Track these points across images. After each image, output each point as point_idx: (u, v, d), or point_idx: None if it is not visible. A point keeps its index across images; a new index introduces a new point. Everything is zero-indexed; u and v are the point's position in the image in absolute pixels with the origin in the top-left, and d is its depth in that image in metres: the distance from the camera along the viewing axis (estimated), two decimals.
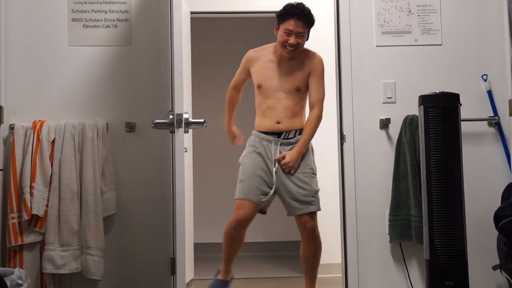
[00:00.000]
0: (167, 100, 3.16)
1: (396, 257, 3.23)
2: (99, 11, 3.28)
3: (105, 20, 3.28)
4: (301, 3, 3.10)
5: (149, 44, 3.28)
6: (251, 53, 3.25)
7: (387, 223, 3.22)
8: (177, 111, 3.02)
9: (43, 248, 3.04)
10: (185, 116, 3.03)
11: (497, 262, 2.97)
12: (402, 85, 3.28)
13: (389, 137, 3.27)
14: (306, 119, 3.16)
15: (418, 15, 3.31)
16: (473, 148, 3.22)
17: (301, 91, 3.13)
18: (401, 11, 3.31)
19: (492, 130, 3.26)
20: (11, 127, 3.12)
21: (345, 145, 3.27)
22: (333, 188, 3.49)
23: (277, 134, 3.10)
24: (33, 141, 3.08)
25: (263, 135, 3.12)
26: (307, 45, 3.18)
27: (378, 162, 3.25)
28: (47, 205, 3.05)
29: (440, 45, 3.30)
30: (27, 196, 3.01)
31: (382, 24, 3.30)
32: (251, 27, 5.50)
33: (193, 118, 3.12)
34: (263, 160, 3.08)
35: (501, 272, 2.95)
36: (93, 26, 3.27)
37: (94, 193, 3.07)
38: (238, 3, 4.59)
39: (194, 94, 4.51)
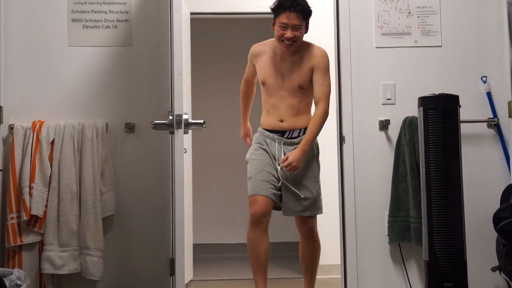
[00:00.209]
0: (167, 101, 3.16)
1: (395, 259, 3.23)
2: (99, 12, 3.28)
3: (105, 20, 3.28)
4: None
5: (149, 45, 3.28)
6: (255, 47, 3.19)
7: (386, 224, 3.22)
8: (176, 112, 3.02)
9: (42, 248, 3.04)
10: (184, 117, 3.03)
11: (496, 263, 2.97)
12: (402, 86, 3.28)
13: (388, 139, 3.27)
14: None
15: (418, 17, 3.31)
16: (472, 149, 3.22)
17: (304, 89, 3.05)
18: (401, 12, 3.31)
19: (492, 131, 3.27)
20: (11, 127, 3.12)
21: (344, 146, 3.27)
22: (332, 189, 3.49)
23: (281, 132, 3.07)
24: (32, 141, 3.08)
25: (267, 132, 3.10)
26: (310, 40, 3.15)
27: (377, 163, 3.25)
28: (46, 206, 3.05)
29: (440, 46, 3.31)
30: (26, 196, 3.01)
31: (382, 25, 3.31)
32: (251, 28, 5.50)
33: (192, 119, 3.13)
34: (268, 155, 3.06)
35: (500, 273, 2.95)
36: (93, 27, 3.27)
37: (93, 194, 3.07)
38: (238, 4, 4.59)
39: (194, 95, 4.52)
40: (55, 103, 3.23)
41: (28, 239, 3.03)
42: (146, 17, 3.29)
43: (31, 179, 3.03)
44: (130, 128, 3.23)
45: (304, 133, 3.05)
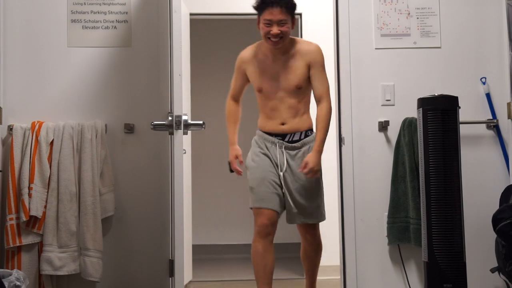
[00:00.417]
0: (166, 101, 3.16)
1: (394, 260, 3.23)
2: (98, 12, 3.28)
3: (104, 21, 3.28)
4: None
5: (148, 46, 3.28)
6: (244, 54, 3.07)
7: (385, 225, 3.22)
8: (176, 112, 3.02)
9: (41, 249, 3.04)
10: (184, 117, 3.02)
11: (495, 264, 2.97)
12: (401, 87, 3.28)
13: (387, 140, 3.27)
14: (312, 116, 3.03)
15: (417, 18, 3.31)
16: (471, 150, 3.22)
17: (302, 89, 2.96)
18: (400, 13, 3.31)
19: (491, 132, 3.27)
20: (10, 128, 3.12)
21: (343, 147, 3.27)
22: (332, 190, 3.49)
23: (281, 136, 2.97)
24: (31, 142, 3.08)
25: (267, 136, 3.00)
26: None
27: (376, 164, 3.25)
28: (45, 206, 3.05)
29: (439, 47, 3.31)
30: (25, 197, 3.01)
31: (381, 26, 3.31)
32: (250, 29, 5.49)
33: (192, 120, 3.12)
34: (270, 161, 2.95)
35: (499, 274, 2.95)
36: (92, 27, 3.27)
37: (92, 195, 3.06)
38: (237, 5, 4.59)
39: (193, 95, 4.51)
40: (55, 103, 3.23)
41: (27, 240, 3.03)
42: (145, 18, 3.29)
43: (30, 180, 3.03)
44: (129, 129, 3.23)
45: (305, 136, 2.99)
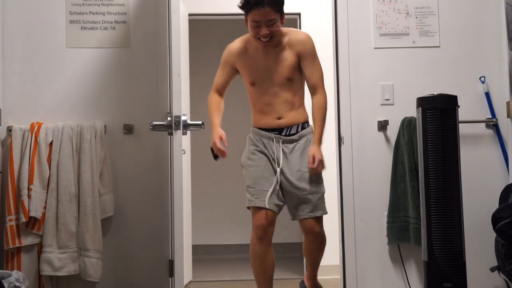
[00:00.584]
0: (165, 102, 3.16)
1: (394, 259, 3.23)
2: (97, 13, 3.28)
3: (103, 22, 3.28)
4: None
5: (147, 46, 3.28)
6: (233, 47, 2.94)
7: (385, 225, 3.22)
8: (175, 113, 3.02)
9: (41, 250, 3.04)
10: (183, 118, 3.02)
11: (495, 263, 2.97)
12: (400, 87, 3.28)
13: (387, 139, 3.27)
14: (306, 108, 2.96)
15: (416, 17, 3.31)
16: (471, 150, 3.22)
17: (293, 80, 2.86)
18: (399, 13, 3.31)
19: (490, 132, 3.27)
20: (9, 129, 3.12)
21: (343, 147, 3.27)
22: (331, 190, 3.48)
23: (278, 130, 2.87)
24: (31, 143, 3.07)
25: (262, 132, 2.90)
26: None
27: (376, 164, 3.25)
28: (45, 207, 3.05)
29: (438, 47, 3.31)
30: (25, 198, 3.01)
31: (380, 26, 3.31)
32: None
33: (191, 120, 3.12)
34: (267, 159, 2.86)
35: (499, 273, 2.95)
36: (91, 28, 3.27)
37: (92, 195, 3.06)
38: (236, 6, 4.59)
39: (192, 96, 4.51)
40: (54, 104, 3.22)
41: (27, 241, 3.03)
42: (144, 19, 3.28)
43: (30, 181, 3.03)
44: (128, 129, 3.23)
45: (302, 129, 2.90)
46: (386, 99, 3.28)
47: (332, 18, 3.40)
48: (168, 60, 3.09)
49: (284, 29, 2.88)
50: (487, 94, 3.27)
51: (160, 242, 3.18)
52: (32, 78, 3.23)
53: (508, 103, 3.20)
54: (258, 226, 2.80)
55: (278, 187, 2.82)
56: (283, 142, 2.87)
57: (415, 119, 3.06)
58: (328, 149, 3.56)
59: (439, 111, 2.83)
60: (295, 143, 2.88)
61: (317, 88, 2.88)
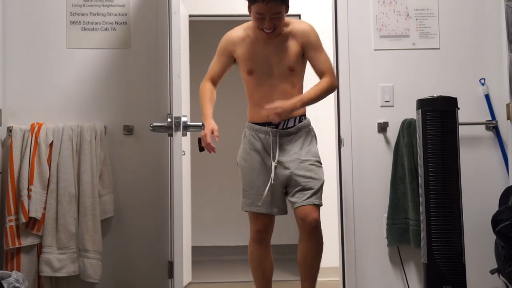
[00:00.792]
0: (165, 103, 3.16)
1: (394, 261, 3.23)
2: (97, 14, 3.28)
3: (104, 23, 3.28)
4: None
5: (147, 47, 3.28)
6: (232, 35, 2.82)
7: (385, 226, 3.22)
8: (175, 114, 3.02)
9: (41, 251, 3.04)
10: (183, 119, 3.02)
11: (495, 266, 2.97)
12: (400, 88, 3.28)
13: (387, 141, 3.27)
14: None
15: (416, 19, 3.31)
16: (470, 152, 3.22)
17: (295, 71, 2.75)
18: (399, 15, 3.32)
19: (490, 134, 3.27)
20: (9, 130, 3.12)
21: (343, 148, 3.27)
22: (331, 191, 3.49)
23: (275, 124, 2.74)
24: (31, 143, 3.08)
25: (258, 126, 2.76)
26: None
27: (376, 165, 3.25)
28: (44, 208, 3.05)
29: (438, 49, 3.31)
30: (24, 198, 3.01)
31: (380, 27, 3.31)
32: None
33: (191, 121, 3.12)
34: (261, 159, 2.74)
35: (498, 276, 2.95)
36: (92, 29, 3.27)
37: (92, 196, 3.06)
38: (236, 7, 4.58)
39: (192, 97, 4.51)
40: (54, 105, 3.23)
41: (27, 241, 3.03)
42: (144, 20, 3.29)
43: (30, 182, 3.03)
44: (128, 130, 3.23)
45: (299, 122, 2.77)
46: (386, 101, 3.28)
47: (332, 20, 3.41)
48: (168, 61, 3.10)
49: (287, 20, 2.77)
50: (487, 96, 3.27)
51: (159, 243, 3.18)
52: (32, 79, 3.23)
53: (508, 105, 3.20)
54: (255, 231, 2.77)
55: (275, 186, 2.70)
56: (280, 136, 2.75)
57: (415, 121, 3.06)
58: (328, 151, 3.57)
59: (439, 113, 2.83)
60: (292, 136, 2.76)
61: (325, 74, 2.74)
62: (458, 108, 2.88)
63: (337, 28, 3.32)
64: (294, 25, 2.78)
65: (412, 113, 3.08)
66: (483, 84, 3.28)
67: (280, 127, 2.75)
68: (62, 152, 3.09)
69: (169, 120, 3.02)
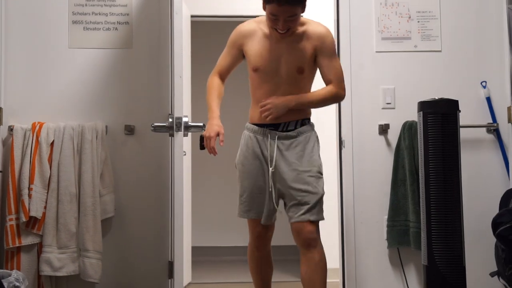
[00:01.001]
0: (167, 103, 3.16)
1: (394, 263, 3.23)
2: (99, 14, 3.28)
3: (106, 23, 3.28)
4: None
5: (149, 47, 3.28)
6: (244, 27, 2.69)
7: (385, 228, 3.22)
8: (176, 114, 3.02)
9: (41, 250, 3.04)
10: (184, 119, 3.02)
11: (495, 268, 2.97)
12: (402, 91, 3.28)
13: (388, 143, 3.27)
14: (311, 110, 2.74)
15: (418, 21, 3.32)
16: (471, 154, 3.22)
17: (304, 73, 2.61)
18: (401, 17, 3.32)
19: (491, 136, 3.27)
20: (10, 129, 3.12)
21: (344, 150, 3.27)
22: (331, 193, 3.49)
23: (274, 125, 2.61)
24: (32, 143, 3.08)
25: (257, 128, 2.64)
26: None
27: (376, 167, 3.26)
28: (45, 207, 3.05)
29: (440, 51, 3.31)
30: (25, 198, 3.01)
31: (382, 29, 3.31)
32: None
33: (192, 122, 3.12)
34: (259, 163, 2.63)
35: (498, 278, 2.95)
36: (94, 29, 3.27)
37: (92, 196, 3.06)
38: (238, 7, 4.60)
39: (194, 97, 4.52)
40: (55, 104, 3.23)
41: (27, 240, 3.03)
42: (146, 20, 3.29)
43: (30, 181, 3.03)
44: (130, 130, 3.23)
45: (301, 125, 2.63)
46: (388, 103, 3.28)
47: (334, 21, 3.41)
48: (170, 62, 3.10)
49: (303, 19, 2.65)
50: (488, 99, 3.27)
51: (160, 243, 3.18)
52: (34, 78, 3.23)
53: (509, 108, 3.20)
54: (254, 238, 2.71)
55: (269, 194, 2.62)
56: (279, 139, 2.60)
57: (416, 123, 3.06)
58: (329, 152, 3.57)
59: (440, 116, 2.83)
60: (292, 140, 2.61)
61: (332, 82, 2.62)
62: (459, 111, 2.88)
63: (339, 30, 3.32)
64: (310, 25, 2.64)
65: (413, 115, 3.08)
66: (484, 87, 3.28)
67: (280, 129, 2.62)
68: (63, 152, 3.09)
69: (170, 120, 3.02)
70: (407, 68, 3.30)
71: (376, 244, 3.23)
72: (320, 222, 2.64)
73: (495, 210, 2.97)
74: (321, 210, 2.60)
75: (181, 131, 3.01)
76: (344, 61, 3.28)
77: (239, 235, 5.52)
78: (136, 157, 3.23)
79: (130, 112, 3.25)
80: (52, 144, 3.10)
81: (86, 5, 3.28)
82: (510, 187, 3.12)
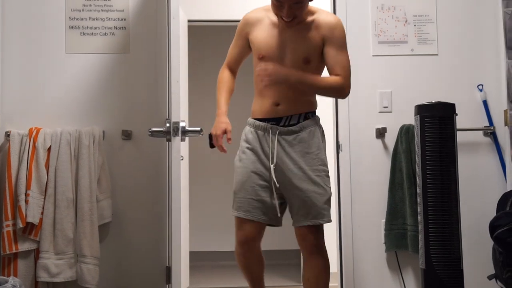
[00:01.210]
0: (164, 108, 3.16)
1: (391, 266, 3.23)
2: (96, 19, 3.28)
3: (103, 28, 3.28)
4: None
5: (146, 52, 3.28)
6: (251, 15, 2.55)
7: (383, 232, 3.22)
8: (173, 119, 3.02)
9: (38, 256, 3.03)
10: (181, 124, 3.02)
11: (493, 271, 2.97)
12: (398, 94, 3.29)
13: (385, 146, 3.28)
14: (316, 101, 2.56)
15: (415, 25, 3.33)
16: (468, 157, 3.23)
17: (310, 64, 2.44)
18: (398, 21, 3.33)
19: (488, 139, 3.28)
20: (7, 134, 3.12)
21: (341, 154, 3.28)
22: None
23: (275, 120, 2.45)
24: (29, 148, 3.07)
25: (258, 122, 2.48)
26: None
27: (374, 171, 3.26)
28: (42, 213, 3.04)
29: (436, 55, 3.32)
30: (22, 203, 3.00)
31: (379, 33, 3.32)
32: None
33: (189, 126, 3.12)
34: (258, 158, 2.45)
35: (496, 281, 2.95)
36: (91, 34, 3.27)
37: (89, 201, 3.06)
38: (235, 12, 4.59)
39: (191, 102, 4.52)
40: (52, 110, 3.22)
41: (24, 246, 3.02)
42: (143, 24, 3.29)
43: (27, 186, 3.02)
44: (127, 135, 3.23)
45: (304, 119, 2.45)
46: (385, 107, 3.29)
47: None
48: (167, 66, 3.10)
49: (313, 8, 2.48)
50: (485, 102, 3.28)
51: (157, 248, 3.17)
52: (31, 83, 3.23)
53: (505, 111, 3.21)
54: (240, 242, 2.47)
55: (268, 193, 2.45)
56: (280, 134, 2.43)
57: (413, 126, 3.07)
58: (327, 156, 3.56)
59: (437, 119, 2.83)
60: (295, 135, 2.44)
61: (339, 75, 2.45)
62: (456, 114, 2.89)
63: None
64: (320, 14, 2.47)
65: (410, 118, 3.09)
66: (481, 90, 3.29)
67: (281, 123, 2.45)
68: (60, 157, 3.08)
69: (167, 125, 3.02)
70: (404, 72, 3.31)
71: (374, 248, 3.23)
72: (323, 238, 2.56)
73: (492, 213, 2.98)
74: (328, 212, 2.45)
75: (178, 136, 3.01)
76: None
77: None
78: (134, 162, 3.23)
79: (127, 117, 3.25)
80: (49, 149, 3.09)
81: (83, 10, 3.28)
82: (507, 190, 3.12)
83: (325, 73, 2.59)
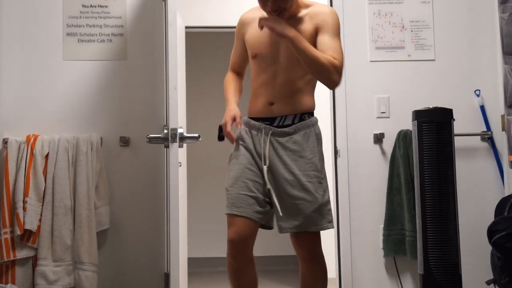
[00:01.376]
0: (162, 114, 3.16)
1: (390, 272, 3.23)
2: (94, 26, 3.28)
3: (100, 34, 3.29)
4: None
5: (144, 59, 3.28)
6: (244, 16, 2.50)
7: (381, 237, 3.22)
8: (171, 125, 3.02)
9: (36, 263, 3.02)
10: (179, 130, 3.02)
11: (491, 276, 2.97)
12: (396, 100, 3.30)
13: (383, 152, 3.28)
14: (314, 101, 2.41)
15: (412, 31, 3.34)
16: (466, 162, 3.23)
17: None
18: (395, 26, 3.34)
19: (485, 144, 3.28)
20: (5, 141, 3.11)
21: (339, 159, 3.28)
22: None
23: (269, 120, 2.34)
24: (26, 155, 3.07)
25: (252, 122, 2.37)
26: None
27: (372, 176, 3.26)
28: (40, 220, 3.03)
29: (433, 60, 3.33)
30: (20, 211, 2.99)
31: (376, 39, 3.33)
32: None
33: (187, 133, 3.12)
34: (251, 156, 2.34)
35: (494, 286, 2.95)
36: (88, 41, 3.28)
37: (87, 208, 3.05)
38: (232, 18, 4.60)
39: (189, 108, 4.52)
40: (50, 117, 3.22)
41: (22, 254, 3.01)
42: (141, 31, 3.30)
43: (25, 193, 3.02)
44: (125, 142, 3.23)
45: (300, 120, 2.33)
46: (382, 112, 3.29)
47: None
48: (165, 73, 3.10)
49: (308, 2, 2.40)
50: (482, 107, 3.28)
51: (155, 254, 3.17)
52: (28, 90, 3.23)
53: (503, 116, 3.22)
54: (231, 241, 2.26)
55: (262, 191, 2.30)
56: (273, 135, 2.32)
57: (411, 132, 3.07)
58: (324, 160, 3.56)
59: (435, 124, 2.84)
60: (288, 137, 2.32)
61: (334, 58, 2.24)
62: (454, 119, 2.90)
63: None
64: (314, 7, 2.36)
65: (408, 124, 3.09)
66: (478, 95, 3.29)
67: (275, 124, 2.33)
68: (58, 164, 3.08)
69: (165, 131, 3.02)
70: (401, 77, 3.32)
71: (372, 253, 3.23)
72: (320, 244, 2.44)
73: (490, 218, 2.98)
74: (323, 219, 2.32)
75: (176, 142, 3.01)
76: None
77: None
78: (131, 168, 3.23)
79: (125, 123, 3.25)
80: (47, 156, 3.09)
81: (80, 17, 3.28)
82: (505, 195, 3.12)
83: None
